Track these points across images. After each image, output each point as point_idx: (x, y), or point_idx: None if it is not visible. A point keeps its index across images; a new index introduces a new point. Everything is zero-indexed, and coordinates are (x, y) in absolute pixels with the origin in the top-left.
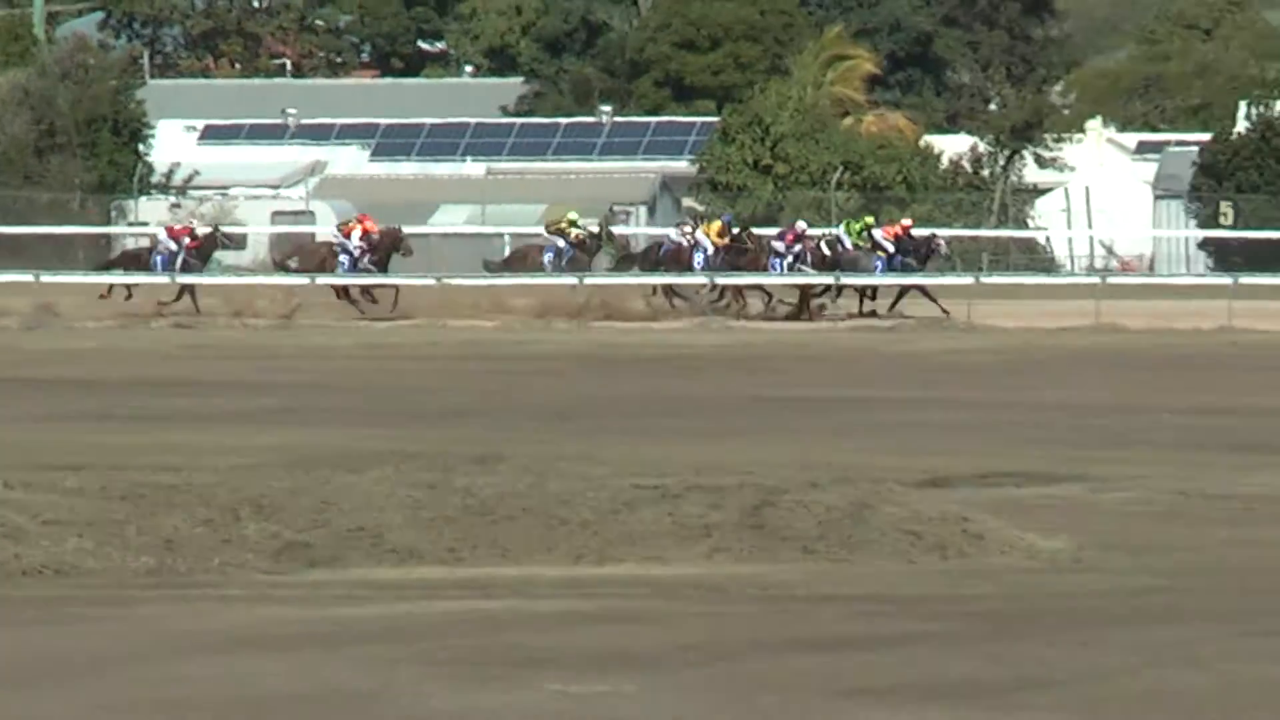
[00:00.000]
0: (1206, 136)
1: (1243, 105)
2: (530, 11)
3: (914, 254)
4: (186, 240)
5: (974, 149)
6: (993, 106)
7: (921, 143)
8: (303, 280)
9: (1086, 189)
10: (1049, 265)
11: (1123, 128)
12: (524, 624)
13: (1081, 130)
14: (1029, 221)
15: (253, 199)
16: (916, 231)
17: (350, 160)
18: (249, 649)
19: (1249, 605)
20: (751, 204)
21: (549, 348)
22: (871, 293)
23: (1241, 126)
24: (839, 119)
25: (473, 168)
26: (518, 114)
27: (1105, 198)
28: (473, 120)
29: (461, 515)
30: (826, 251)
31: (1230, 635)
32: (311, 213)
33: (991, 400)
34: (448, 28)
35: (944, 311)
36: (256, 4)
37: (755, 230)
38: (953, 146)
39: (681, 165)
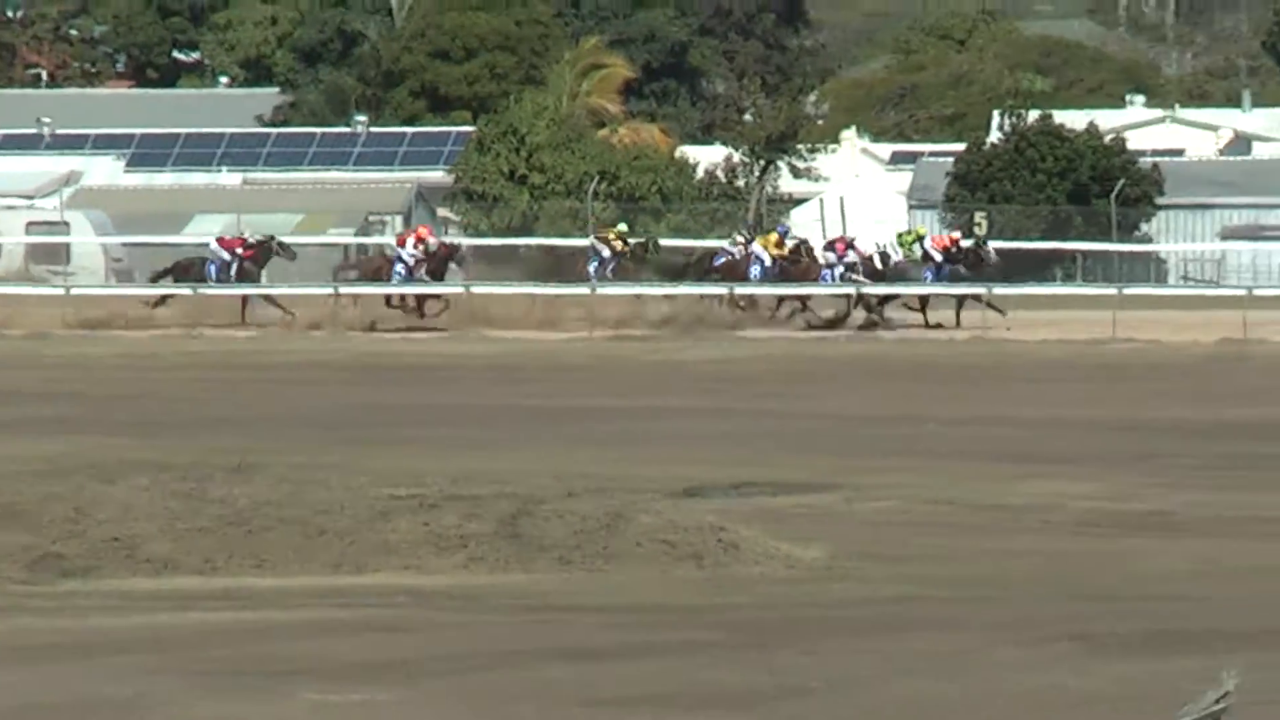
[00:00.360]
0: (961, 147)
1: (996, 115)
2: (286, 22)
3: (963, 263)
4: (240, 250)
5: (729, 159)
6: (748, 117)
7: (677, 153)
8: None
9: (841, 199)
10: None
11: (877, 138)
12: (281, 634)
13: (836, 140)
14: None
15: (7, 209)
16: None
17: (106, 170)
18: (2, 660)
19: (1004, 615)
20: (507, 214)
21: (307, 358)
22: (921, 303)
23: (995, 137)
24: (595, 129)
25: (228, 178)
26: (273, 124)
27: (860, 208)
28: (229, 130)
29: (218, 525)
30: (879, 264)
31: (986, 645)
32: (66, 223)
33: (750, 410)
34: (203, 38)
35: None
36: (11, 14)
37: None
38: (708, 156)
39: (437, 175)
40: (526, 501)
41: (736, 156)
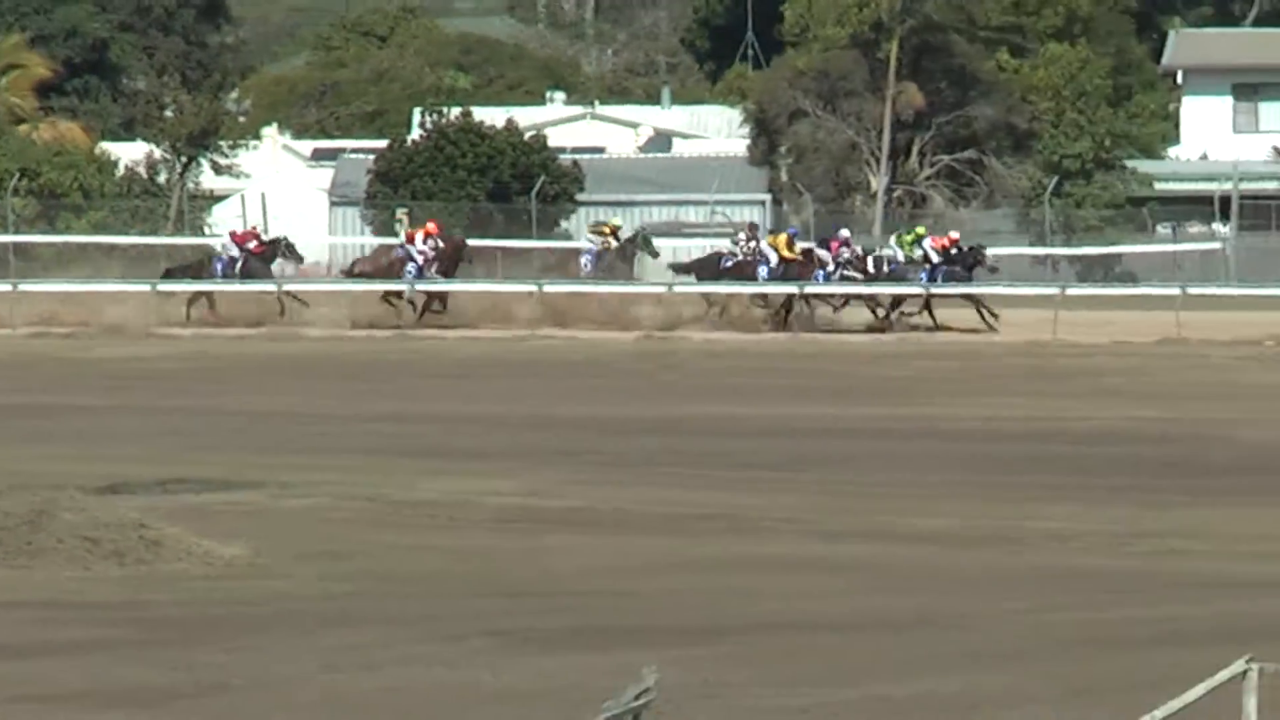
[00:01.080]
0: (382, 144)
1: (417, 112)
2: None
3: (960, 264)
4: (253, 244)
5: (150, 156)
6: (169, 113)
7: (98, 149)
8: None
9: (263, 195)
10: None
11: (299, 135)
12: None
13: (258, 137)
14: (205, 229)
15: None
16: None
17: None
18: None
19: (421, 611)
20: None
21: None
22: (897, 302)
23: (416, 134)
24: (14, 126)
25: None
26: None
27: (282, 204)
28: None
29: None
30: (871, 265)
31: (405, 640)
32: None
33: (170, 407)
34: None
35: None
36: None
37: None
38: (129, 153)
39: None
40: None
41: (158, 153)
